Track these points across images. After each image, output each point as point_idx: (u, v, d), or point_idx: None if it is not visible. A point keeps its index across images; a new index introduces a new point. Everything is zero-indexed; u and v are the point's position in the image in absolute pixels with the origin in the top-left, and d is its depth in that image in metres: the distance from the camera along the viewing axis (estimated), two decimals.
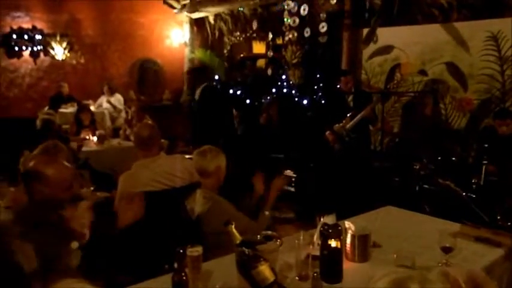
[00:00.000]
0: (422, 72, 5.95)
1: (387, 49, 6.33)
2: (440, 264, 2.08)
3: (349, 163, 5.11)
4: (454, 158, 4.59)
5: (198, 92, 4.57)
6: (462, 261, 2.13)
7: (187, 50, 9.89)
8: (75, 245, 1.84)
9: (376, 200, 3.69)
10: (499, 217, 3.53)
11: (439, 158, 4.50)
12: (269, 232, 1.99)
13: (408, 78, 6.12)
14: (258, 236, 1.89)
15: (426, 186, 4.33)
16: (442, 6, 5.68)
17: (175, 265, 1.69)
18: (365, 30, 6.56)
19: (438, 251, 2.10)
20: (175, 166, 3.18)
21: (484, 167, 4.02)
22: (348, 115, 5.13)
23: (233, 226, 1.77)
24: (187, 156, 3.61)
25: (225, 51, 9.39)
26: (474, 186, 4.00)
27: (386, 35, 6.34)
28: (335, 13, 6.43)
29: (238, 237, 1.76)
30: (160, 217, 2.74)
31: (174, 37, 10.11)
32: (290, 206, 5.42)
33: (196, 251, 1.81)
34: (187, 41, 9.83)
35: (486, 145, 4.08)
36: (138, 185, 2.97)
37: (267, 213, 2.76)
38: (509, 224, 3.32)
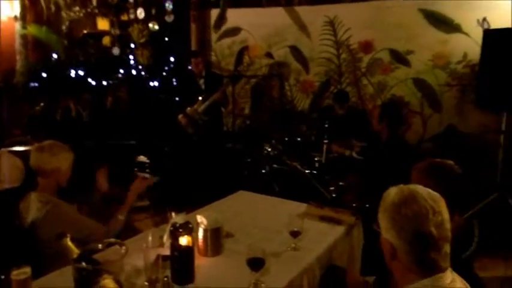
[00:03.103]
0: (269, 55, 6.16)
1: (235, 31, 6.37)
2: (289, 249, 2.15)
3: (203, 146, 5.10)
4: (299, 138, 4.86)
5: None
6: (309, 242, 2.23)
7: (18, 25, 8.68)
8: None
9: (229, 182, 3.71)
10: (334, 194, 3.83)
11: (286, 138, 4.73)
12: (112, 240, 1.80)
13: (256, 61, 6.27)
14: (100, 245, 1.69)
15: (276, 166, 4.51)
16: None
17: None
18: (213, 11, 6.51)
19: (287, 235, 2.17)
20: (2, 164, 2.74)
21: (325, 145, 4.33)
22: (200, 98, 5.10)
23: (68, 239, 1.55)
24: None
25: (64, 27, 8.50)
26: (317, 164, 4.29)
27: (233, 16, 6.38)
28: None
29: (75, 251, 1.55)
30: None
31: (0, 10, 8.77)
32: (144, 194, 5.20)
33: (23, 273, 1.53)
34: (18, 15, 8.62)
35: (326, 125, 4.37)
36: None
37: (121, 217, 2.47)
38: (348, 201, 3.62)
